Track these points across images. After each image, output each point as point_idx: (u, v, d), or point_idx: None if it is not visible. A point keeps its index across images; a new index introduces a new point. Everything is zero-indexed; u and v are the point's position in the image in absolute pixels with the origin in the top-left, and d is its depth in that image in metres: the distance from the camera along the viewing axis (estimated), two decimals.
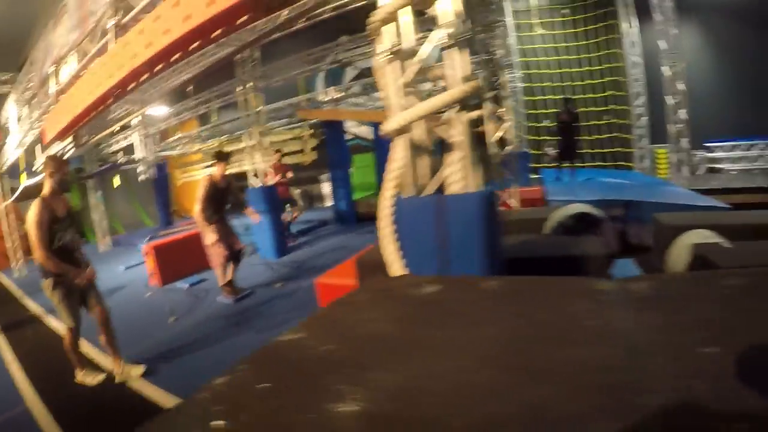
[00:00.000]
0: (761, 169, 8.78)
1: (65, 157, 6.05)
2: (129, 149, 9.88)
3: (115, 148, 9.61)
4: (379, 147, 10.65)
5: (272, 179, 6.48)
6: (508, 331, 1.21)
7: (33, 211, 2.65)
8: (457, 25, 1.81)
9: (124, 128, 8.74)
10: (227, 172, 4.35)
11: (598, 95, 9.08)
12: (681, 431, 0.76)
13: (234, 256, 4.30)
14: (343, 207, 8.48)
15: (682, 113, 7.62)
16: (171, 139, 10.79)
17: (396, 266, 1.89)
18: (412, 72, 1.96)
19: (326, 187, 11.69)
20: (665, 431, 0.77)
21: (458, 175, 1.90)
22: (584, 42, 9.05)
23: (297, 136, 10.99)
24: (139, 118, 8.17)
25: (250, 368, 1.16)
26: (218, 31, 2.60)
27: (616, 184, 6.94)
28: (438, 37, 1.84)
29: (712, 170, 9.20)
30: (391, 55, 1.99)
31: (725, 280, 1.39)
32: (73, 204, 10.99)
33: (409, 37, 1.97)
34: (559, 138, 7.58)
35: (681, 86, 7.54)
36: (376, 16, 2.01)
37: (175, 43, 3.10)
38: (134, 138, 9.03)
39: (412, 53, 1.97)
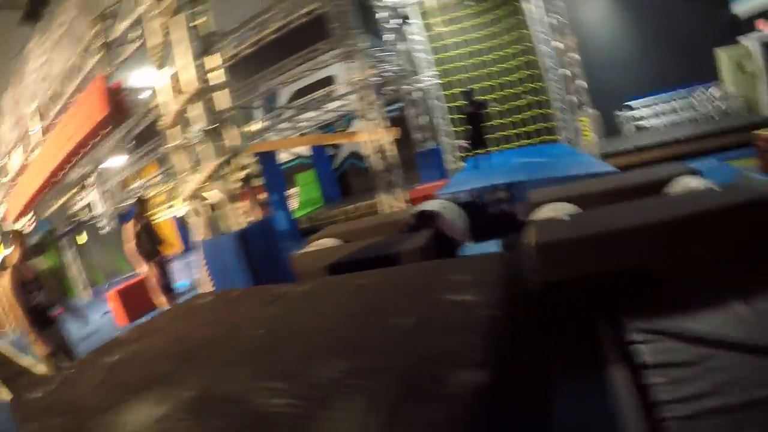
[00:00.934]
0: (691, 120, 9.84)
1: (30, 228, 7.57)
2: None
3: (79, 206, 11.18)
4: (319, 164, 12.08)
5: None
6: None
7: (7, 279, 3.47)
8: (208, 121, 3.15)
9: (83, 188, 10.30)
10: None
11: (514, 77, 10.25)
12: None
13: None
14: (284, 226, 9.89)
15: (580, 82, 8.75)
16: (131, 186, 12.33)
17: (206, 287, 3.28)
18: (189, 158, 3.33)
19: None
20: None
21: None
22: (492, 29, 10.23)
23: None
24: (94, 176, 9.72)
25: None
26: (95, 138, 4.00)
27: (522, 164, 8.10)
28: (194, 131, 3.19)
29: (639, 128, 10.33)
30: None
31: (356, 280, 2.66)
32: (53, 263, 12.72)
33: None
34: (468, 128, 8.72)
35: (575, 56, 8.67)
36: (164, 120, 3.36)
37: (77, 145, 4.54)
38: (93, 195, 10.62)
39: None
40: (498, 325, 1.71)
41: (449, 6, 10.37)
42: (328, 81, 10.43)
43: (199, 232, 3.48)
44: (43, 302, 3.68)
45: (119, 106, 3.68)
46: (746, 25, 9.68)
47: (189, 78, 3.20)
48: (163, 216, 12.57)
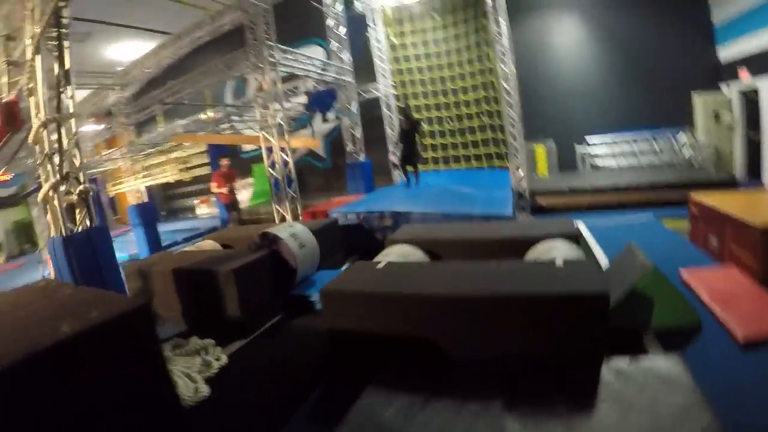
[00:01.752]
0: (651, 166, 9.27)
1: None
2: None
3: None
4: None
5: (218, 188, 8.07)
6: None
7: None
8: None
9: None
10: None
11: (471, 97, 9.89)
12: None
13: None
14: (225, 215, 9.98)
15: (513, 112, 8.35)
16: (99, 156, 12.64)
17: None
18: None
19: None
20: None
21: None
22: (455, 45, 9.86)
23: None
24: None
25: None
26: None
27: (432, 193, 7.81)
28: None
29: (594, 167, 9.83)
30: None
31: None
32: (23, 216, 13.23)
33: None
34: (400, 145, 8.57)
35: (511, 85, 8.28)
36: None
37: None
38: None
39: None
40: None
41: (414, 16, 10.07)
42: None
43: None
44: None
45: (12, 117, 3.88)
46: (729, 71, 9.03)
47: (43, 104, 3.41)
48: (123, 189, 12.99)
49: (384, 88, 10.48)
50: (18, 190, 13.04)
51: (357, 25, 9.95)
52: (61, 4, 3.19)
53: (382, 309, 2.84)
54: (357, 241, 5.88)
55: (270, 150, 6.78)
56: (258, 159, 12.73)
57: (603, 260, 4.52)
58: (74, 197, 3.26)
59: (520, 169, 7.90)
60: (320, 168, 13.12)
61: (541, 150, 9.69)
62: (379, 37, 10.29)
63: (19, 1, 3.49)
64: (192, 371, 3.03)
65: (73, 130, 3.47)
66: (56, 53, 3.45)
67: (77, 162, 3.31)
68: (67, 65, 3.39)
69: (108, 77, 8.78)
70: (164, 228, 11.89)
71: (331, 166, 12.62)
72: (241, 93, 12.11)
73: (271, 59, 6.34)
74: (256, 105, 6.72)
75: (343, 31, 9.51)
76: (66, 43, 3.31)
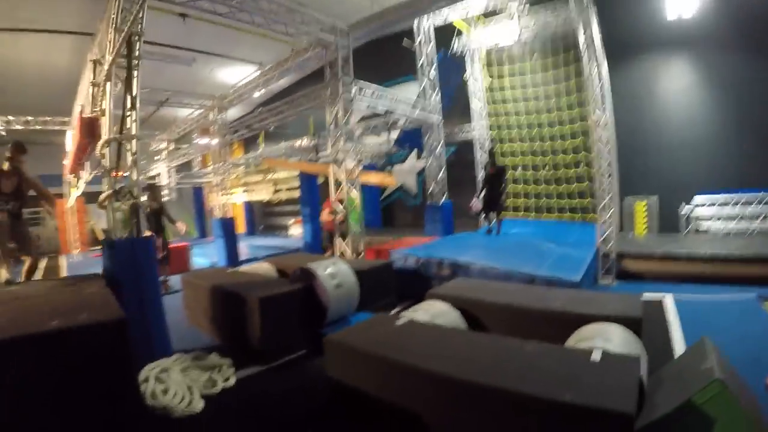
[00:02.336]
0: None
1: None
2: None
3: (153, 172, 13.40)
4: (367, 188, 12.34)
5: (327, 216, 8.24)
6: None
7: None
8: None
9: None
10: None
11: (568, 144, 9.14)
12: None
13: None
14: (308, 239, 10.32)
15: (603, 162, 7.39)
16: (203, 169, 14.27)
17: None
18: None
19: None
20: None
21: None
22: (554, 87, 9.25)
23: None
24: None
25: None
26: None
27: (503, 245, 7.20)
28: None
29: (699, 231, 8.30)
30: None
31: None
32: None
33: None
34: (485, 190, 8.17)
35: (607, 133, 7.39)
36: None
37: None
38: (161, 168, 12.60)
39: None
40: None
41: (513, 57, 9.71)
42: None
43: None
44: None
45: (92, 131, 4.32)
46: None
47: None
48: (232, 199, 14.20)
49: (478, 129, 10.25)
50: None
51: (455, 65, 9.93)
52: (134, 38, 3.63)
53: (376, 371, 2.66)
54: (413, 286, 5.61)
55: (338, 183, 6.96)
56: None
57: (679, 347, 3.76)
58: (126, 209, 3.59)
59: (609, 227, 6.96)
60: (411, 204, 13.09)
61: (641, 207, 8.52)
62: (476, 78, 10.17)
63: (106, 31, 4.00)
64: (195, 385, 3.09)
65: (133, 149, 3.80)
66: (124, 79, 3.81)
67: (134, 178, 3.66)
68: (135, 91, 3.73)
69: (208, 98, 9.90)
70: (254, 242, 12.83)
71: (419, 203, 12.55)
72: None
73: (347, 95, 6.56)
74: (330, 138, 6.97)
75: (433, 71, 9.54)
76: (135, 72, 3.71)
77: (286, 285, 4.50)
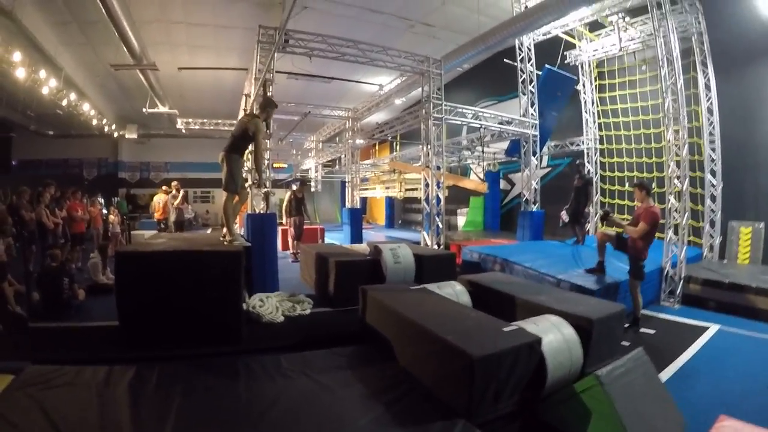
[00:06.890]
0: None
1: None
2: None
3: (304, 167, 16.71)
4: (489, 194, 13.43)
5: None
6: None
7: None
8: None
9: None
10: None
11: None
12: None
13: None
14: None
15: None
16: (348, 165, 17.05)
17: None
18: None
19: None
20: None
21: None
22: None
23: None
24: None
25: None
26: None
27: (572, 253, 7.54)
28: None
29: None
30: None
31: None
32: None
33: None
34: (573, 202, 8.52)
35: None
36: None
37: None
38: (311, 163, 15.75)
39: None
40: None
41: (625, 69, 9.55)
42: None
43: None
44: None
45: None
46: None
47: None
48: (373, 194, 16.61)
49: (587, 141, 10.47)
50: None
51: (564, 78, 10.22)
52: (268, 83, 5.86)
53: (381, 311, 4.03)
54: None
55: (427, 185, 8.46)
56: (475, 192, 14.38)
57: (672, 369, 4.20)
58: (261, 195, 5.90)
59: (682, 248, 6.78)
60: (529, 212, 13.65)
61: (745, 233, 7.73)
62: (586, 90, 10.31)
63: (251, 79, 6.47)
64: (282, 307, 5.07)
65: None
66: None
67: (264, 176, 5.88)
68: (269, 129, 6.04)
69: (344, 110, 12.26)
70: (388, 233, 15.01)
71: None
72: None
73: (436, 114, 8.01)
74: (423, 146, 8.50)
75: (533, 87, 10.03)
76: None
77: (361, 256, 6.21)
